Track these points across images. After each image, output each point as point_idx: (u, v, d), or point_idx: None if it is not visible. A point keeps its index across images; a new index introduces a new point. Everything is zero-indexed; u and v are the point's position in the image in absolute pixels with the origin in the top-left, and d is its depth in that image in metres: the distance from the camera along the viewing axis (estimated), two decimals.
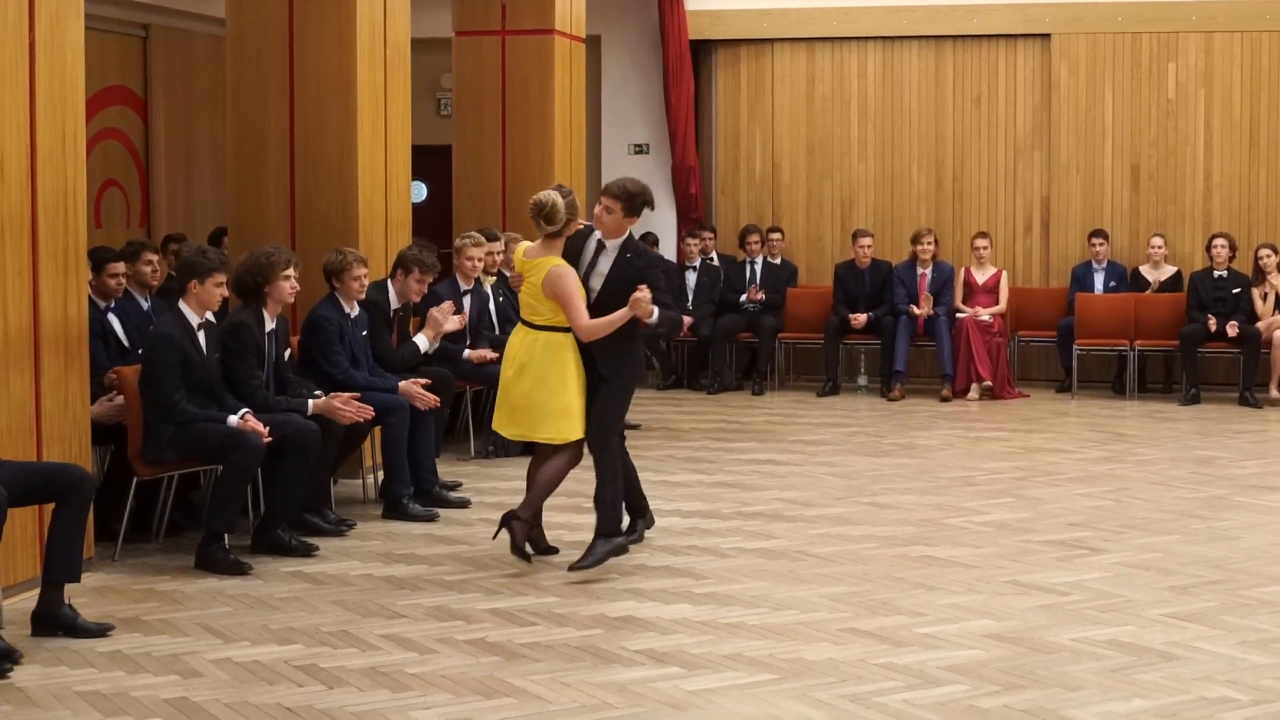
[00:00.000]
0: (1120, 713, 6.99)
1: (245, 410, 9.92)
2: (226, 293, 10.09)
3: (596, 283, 9.70)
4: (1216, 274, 17.55)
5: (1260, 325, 17.11)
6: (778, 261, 19.16)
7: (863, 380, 18.38)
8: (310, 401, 10.43)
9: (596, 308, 9.59)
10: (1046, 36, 19.22)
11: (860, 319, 18.12)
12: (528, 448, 10.94)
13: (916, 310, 17.92)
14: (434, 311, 12.37)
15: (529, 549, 9.68)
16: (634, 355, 9.80)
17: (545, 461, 9.83)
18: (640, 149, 20.51)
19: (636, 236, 10.05)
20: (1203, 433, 15.33)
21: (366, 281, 11.48)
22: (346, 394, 10.64)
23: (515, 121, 16.82)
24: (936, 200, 19.67)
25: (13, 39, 8.77)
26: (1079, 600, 8.92)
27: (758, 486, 12.42)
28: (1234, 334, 17.00)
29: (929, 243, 18.10)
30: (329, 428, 10.42)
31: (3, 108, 8.69)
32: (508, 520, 9.61)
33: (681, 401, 17.72)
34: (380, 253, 12.56)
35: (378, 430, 11.43)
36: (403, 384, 11.51)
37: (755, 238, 19.05)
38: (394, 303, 12.12)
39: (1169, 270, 18.24)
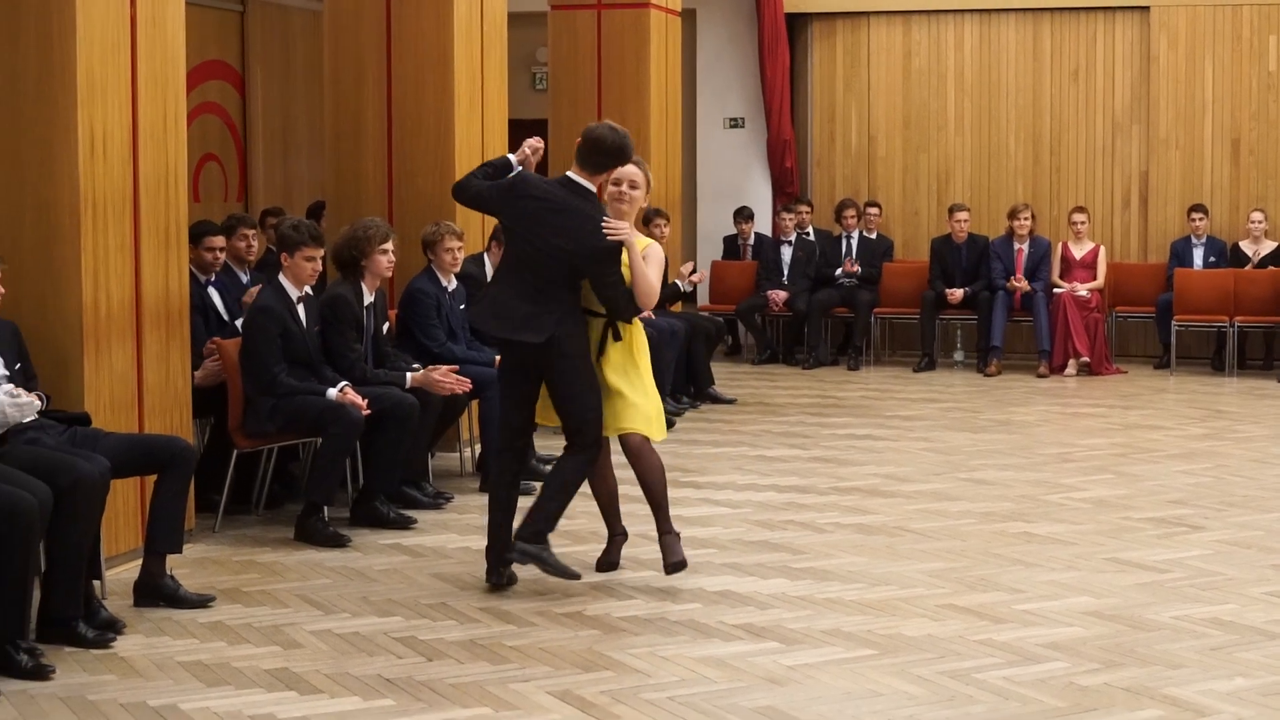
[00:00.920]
0: (1222, 691, 6.93)
1: (344, 383, 9.97)
2: (318, 266, 10.10)
3: None
4: None
5: None
6: (873, 236, 19.09)
7: (959, 355, 18.31)
8: (408, 375, 10.47)
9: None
10: (1145, 9, 19.06)
11: (956, 294, 18.03)
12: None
13: (1013, 285, 17.81)
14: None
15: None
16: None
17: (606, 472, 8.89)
18: (735, 123, 20.48)
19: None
20: None
21: (461, 255, 11.50)
22: (444, 366, 10.68)
23: (610, 96, 16.82)
24: (1034, 174, 19.55)
25: (115, 15, 8.83)
26: (1179, 578, 8.86)
27: (854, 462, 12.38)
28: None
29: (1026, 218, 17.97)
30: (427, 401, 10.45)
31: (105, 84, 8.76)
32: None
33: (777, 376, 17.68)
34: (477, 227, 12.59)
35: (475, 403, 11.45)
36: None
37: (851, 212, 18.98)
38: (490, 276, 12.13)
39: (1269, 245, 18.05)
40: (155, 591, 8.24)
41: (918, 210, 19.93)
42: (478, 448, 11.78)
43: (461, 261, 11.54)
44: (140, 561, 8.36)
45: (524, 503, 8.75)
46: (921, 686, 7.01)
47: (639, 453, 8.58)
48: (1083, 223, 18.08)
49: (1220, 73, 18.87)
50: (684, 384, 15.29)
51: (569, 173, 8.59)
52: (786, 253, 18.82)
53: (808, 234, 19.00)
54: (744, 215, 19.55)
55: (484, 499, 10.31)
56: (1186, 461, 12.37)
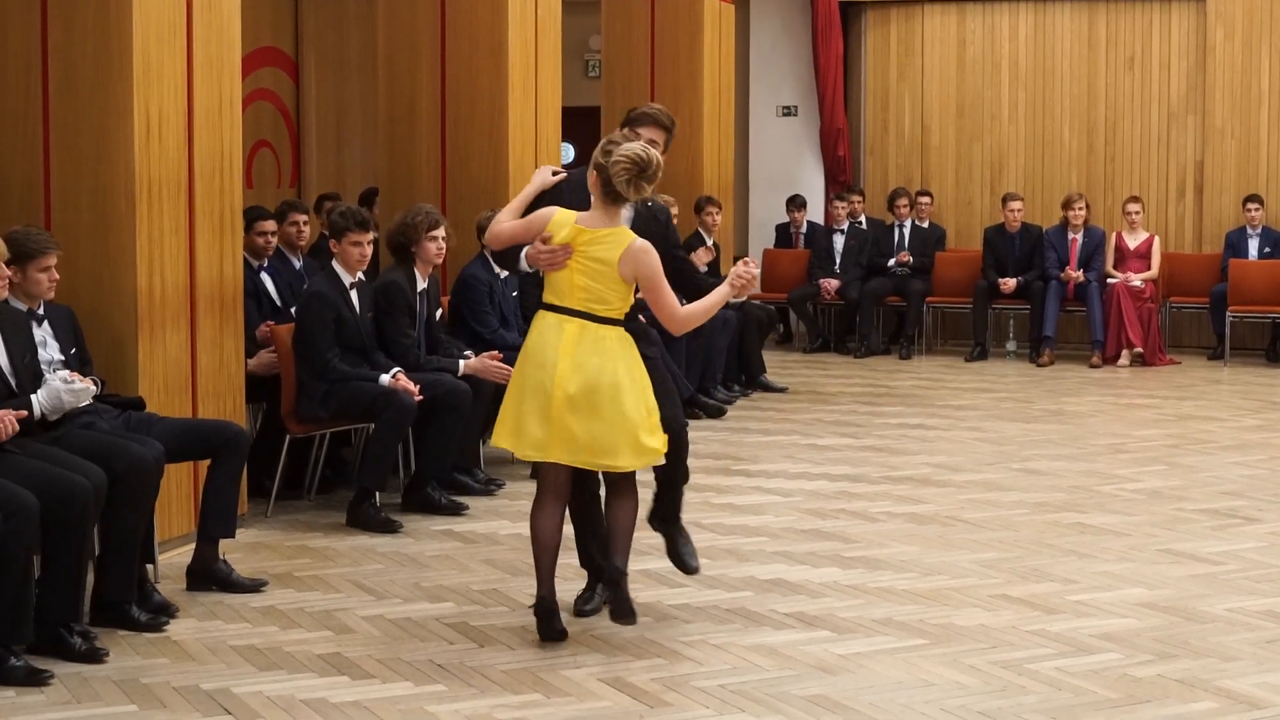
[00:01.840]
0: (1277, 683, 6.88)
1: (397, 369, 10.00)
2: (366, 251, 10.11)
3: None
4: None
5: None
6: (926, 225, 19.05)
7: (1011, 345, 18.23)
8: (461, 362, 10.49)
9: None
10: None
11: (1009, 284, 17.96)
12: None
13: (1067, 275, 17.74)
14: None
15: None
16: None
17: (623, 501, 7.62)
18: (788, 111, 20.45)
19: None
20: None
21: None
22: (494, 353, 10.68)
23: (664, 83, 16.80)
24: (1088, 164, 19.47)
25: (171, 0, 8.86)
26: (1234, 570, 8.81)
27: (906, 451, 12.35)
28: None
29: (1080, 208, 17.89)
30: (479, 388, 10.46)
31: (161, 69, 8.79)
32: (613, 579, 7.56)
33: (828, 365, 17.66)
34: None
35: None
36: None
37: (904, 201, 18.95)
38: None
39: None
40: (208, 576, 8.27)
41: (970, 199, 19.88)
42: None
43: None
44: (193, 546, 8.39)
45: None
46: (974, 676, 6.99)
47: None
48: (1137, 213, 17.99)
49: (1277, 63, 18.75)
50: (735, 372, 15.29)
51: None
52: (839, 241, 18.79)
53: (860, 222, 18.96)
54: (796, 204, 19.52)
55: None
56: (1241, 453, 12.30)
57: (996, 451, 12.34)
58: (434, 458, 10.26)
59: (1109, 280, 17.63)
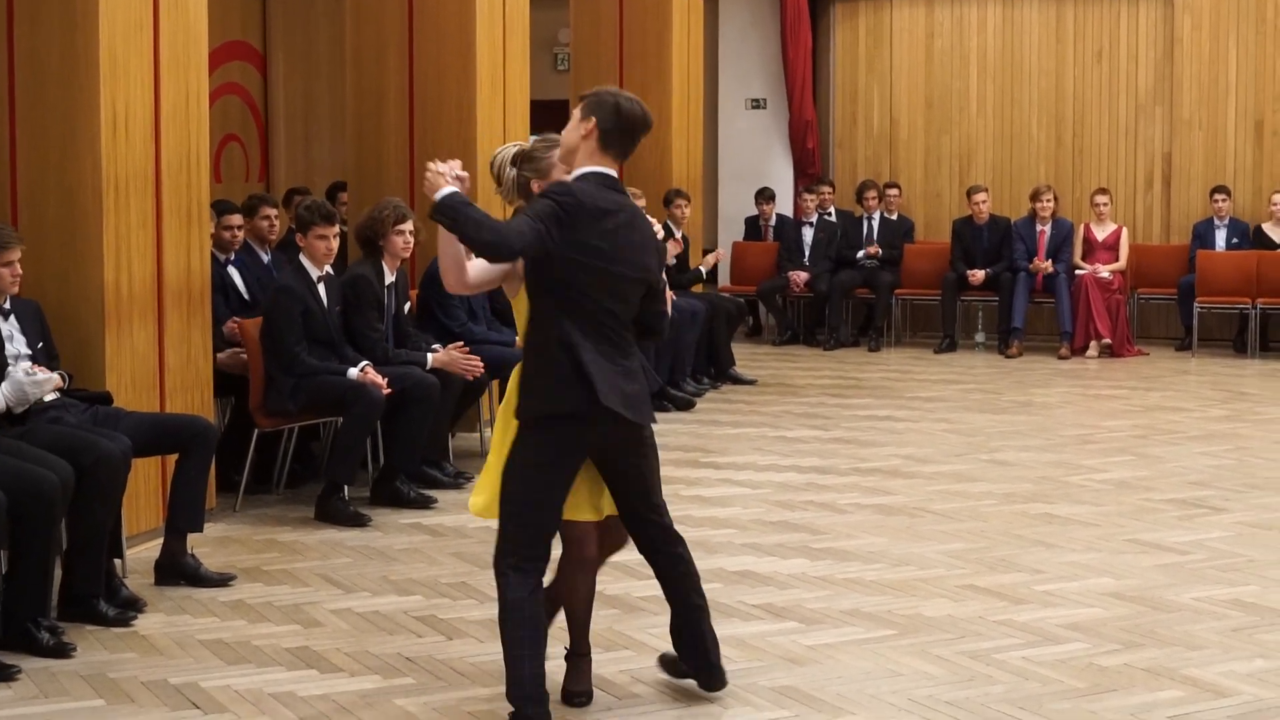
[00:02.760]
0: (1242, 672, 6.93)
1: (365, 363, 10.00)
2: (332, 245, 10.12)
3: None
4: None
5: None
6: (895, 217, 19.09)
7: (980, 337, 18.29)
8: (429, 355, 10.49)
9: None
10: None
11: (978, 275, 18.01)
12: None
13: (1035, 267, 17.79)
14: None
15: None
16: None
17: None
18: (757, 104, 20.47)
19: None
20: None
21: None
22: (463, 345, 10.68)
23: (633, 76, 16.80)
24: (1056, 156, 19.52)
25: None
26: (1200, 559, 8.85)
27: (875, 443, 12.38)
28: None
29: (1049, 199, 17.95)
30: (448, 381, 10.46)
31: (128, 64, 8.77)
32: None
33: (798, 357, 17.68)
34: (498, 208, 12.56)
35: (495, 383, 11.46)
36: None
37: (873, 193, 18.98)
38: None
39: None
40: (176, 570, 8.27)
41: (939, 192, 19.91)
42: None
43: None
44: (161, 540, 8.39)
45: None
46: (941, 666, 7.01)
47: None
48: (1105, 204, 18.04)
49: (1244, 55, 18.81)
50: (705, 365, 15.31)
51: (599, 168, 6.28)
52: (808, 234, 18.81)
53: (829, 215, 18.99)
54: (765, 196, 19.53)
55: None
56: (1208, 443, 12.35)
57: (965, 443, 12.37)
58: (402, 451, 10.26)
59: (1077, 272, 17.68)
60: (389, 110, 12.58)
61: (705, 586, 6.69)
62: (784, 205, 19.81)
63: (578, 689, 6.59)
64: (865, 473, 11.24)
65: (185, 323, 9.33)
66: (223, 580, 8.32)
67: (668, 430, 11.95)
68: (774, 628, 7.57)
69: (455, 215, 6.04)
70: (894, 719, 6.42)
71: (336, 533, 9.52)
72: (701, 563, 8.56)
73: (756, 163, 20.33)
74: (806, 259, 18.65)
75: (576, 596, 6.61)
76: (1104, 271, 17.57)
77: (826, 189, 19.11)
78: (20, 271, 7.80)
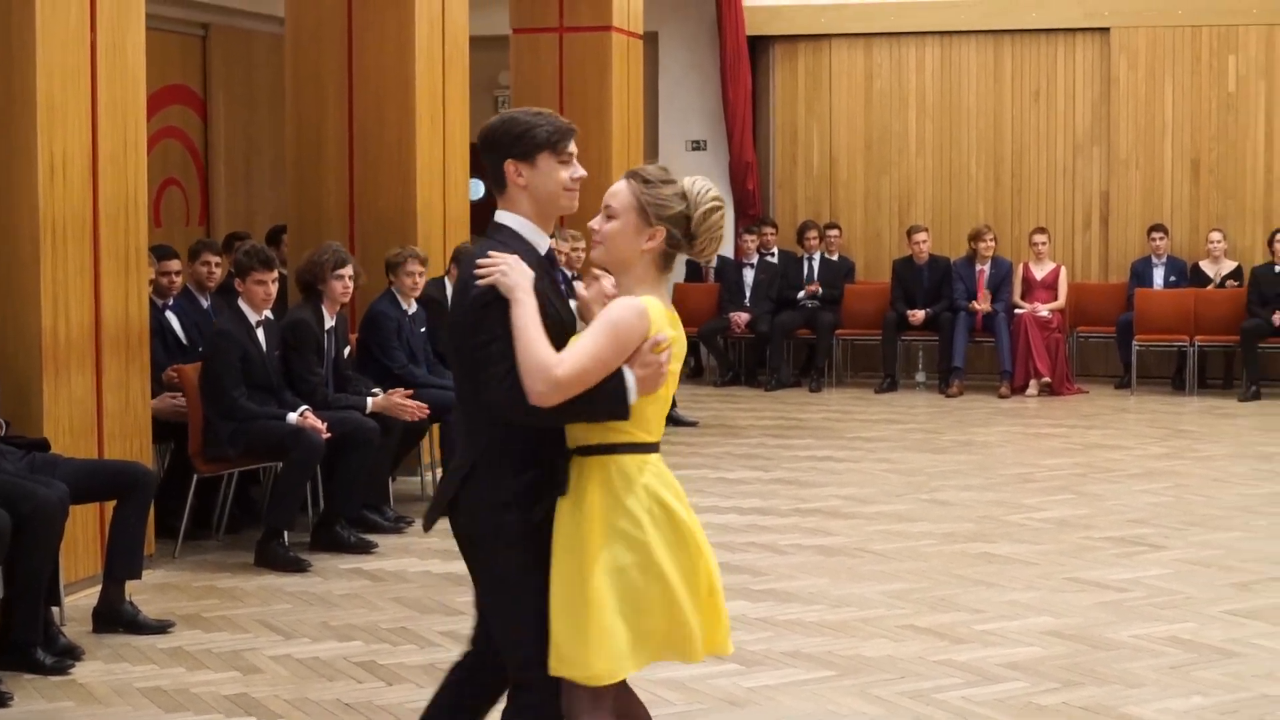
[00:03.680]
0: (1180, 710, 6.96)
1: (304, 407, 9.98)
2: (270, 290, 10.11)
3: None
4: (1278, 269, 17.43)
5: None
6: (835, 258, 19.13)
7: (921, 377, 18.36)
8: (370, 399, 10.48)
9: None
10: (1106, 30, 19.13)
11: (918, 315, 18.07)
12: None
13: (975, 306, 17.87)
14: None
15: None
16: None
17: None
18: (698, 145, 20.52)
19: None
20: (1263, 429, 15.25)
21: (423, 279, 11.50)
22: (402, 389, 10.68)
23: (573, 118, 16.32)
24: (995, 196, 19.61)
25: (75, 40, 8.83)
26: (1139, 597, 8.89)
27: (815, 483, 12.40)
28: None
29: (990, 240, 18.06)
30: (388, 425, 10.46)
31: (65, 110, 8.75)
32: None
33: (739, 398, 17.70)
34: (439, 250, 12.59)
35: (436, 427, 11.45)
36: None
37: (813, 234, 19.02)
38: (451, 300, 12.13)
39: (1229, 265, 18.13)
40: (114, 617, 8.23)
41: (879, 232, 19.97)
42: (439, 471, 11.77)
43: (423, 285, 11.55)
44: (99, 588, 8.35)
45: None
46: (881, 707, 7.03)
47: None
48: (1043, 243, 18.14)
49: (1180, 94, 18.95)
50: None
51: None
52: (749, 274, 18.85)
53: (771, 256, 19.03)
54: None
55: (445, 522, 9.57)
56: (1147, 481, 12.41)
57: (905, 482, 12.40)
58: (343, 496, 10.24)
59: (1016, 311, 17.77)
60: (328, 151, 12.58)
61: None
62: (725, 246, 19.84)
63: None
64: (806, 513, 11.26)
65: (124, 368, 9.29)
66: (161, 627, 8.28)
67: None
68: (714, 669, 7.56)
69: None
70: None
71: (276, 578, 9.49)
72: None
73: None
74: (748, 300, 18.69)
75: None
76: (1043, 310, 17.65)
77: (769, 229, 19.16)
78: None
